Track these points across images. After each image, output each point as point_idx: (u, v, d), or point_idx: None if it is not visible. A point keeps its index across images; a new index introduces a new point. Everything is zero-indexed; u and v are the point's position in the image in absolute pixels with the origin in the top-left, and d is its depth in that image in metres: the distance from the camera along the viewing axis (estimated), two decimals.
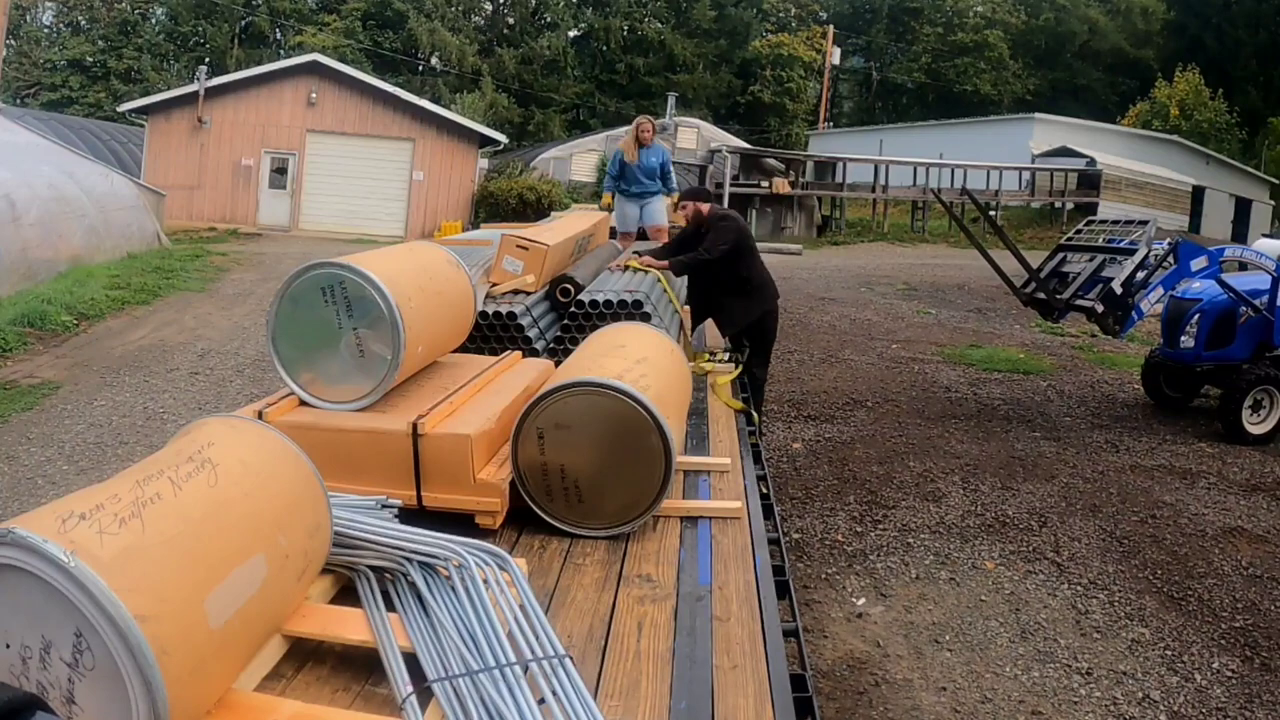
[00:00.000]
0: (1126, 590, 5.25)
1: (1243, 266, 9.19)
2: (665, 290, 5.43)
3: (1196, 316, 8.47)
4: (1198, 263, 8.03)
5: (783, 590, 2.97)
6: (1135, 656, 4.56)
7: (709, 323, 6.45)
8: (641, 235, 8.72)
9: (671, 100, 31.14)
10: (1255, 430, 8.20)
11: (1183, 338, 8.55)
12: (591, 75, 43.70)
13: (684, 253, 5.83)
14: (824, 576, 5.27)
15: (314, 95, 23.99)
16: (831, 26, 47.64)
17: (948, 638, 4.66)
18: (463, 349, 4.15)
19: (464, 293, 3.88)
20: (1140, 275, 7.91)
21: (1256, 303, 8.27)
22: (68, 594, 1.54)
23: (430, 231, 22.83)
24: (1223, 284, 8.29)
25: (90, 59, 37.79)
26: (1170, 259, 8.04)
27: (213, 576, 1.77)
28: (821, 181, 31.63)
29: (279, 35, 41.38)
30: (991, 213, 27.79)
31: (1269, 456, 7.86)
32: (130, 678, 1.55)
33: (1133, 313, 7.88)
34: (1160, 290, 8.07)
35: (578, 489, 2.98)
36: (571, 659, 2.03)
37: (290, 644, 2.15)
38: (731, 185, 27.29)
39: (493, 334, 4.73)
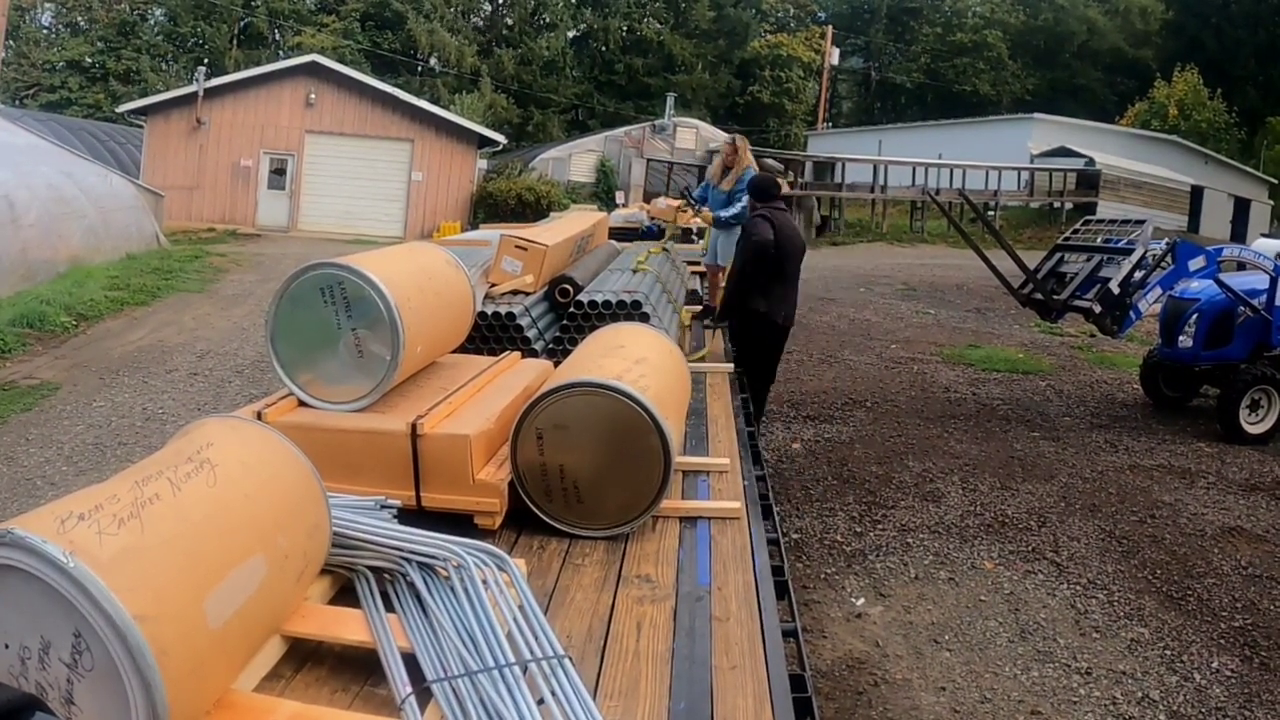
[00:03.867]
0: (1126, 590, 5.25)
1: (1241, 266, 9.20)
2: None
3: (1195, 316, 8.48)
4: (1195, 263, 8.03)
5: (782, 590, 2.97)
6: (1134, 656, 4.56)
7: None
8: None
9: (670, 101, 31.10)
10: (1253, 430, 8.20)
11: (1181, 337, 8.56)
12: (590, 76, 43.68)
13: None
14: (823, 576, 5.27)
15: (313, 96, 23.99)
16: (830, 26, 47.63)
17: (947, 637, 4.65)
18: (462, 349, 4.15)
19: (463, 293, 3.88)
20: (1138, 275, 7.91)
21: (1254, 303, 8.27)
22: (67, 594, 1.54)
23: (429, 232, 22.82)
24: (1221, 284, 8.30)
25: (89, 60, 37.72)
26: (1168, 259, 8.04)
27: (212, 577, 1.77)
28: (820, 182, 31.62)
29: (277, 36, 41.33)
30: (990, 213, 27.82)
31: (1268, 456, 7.86)
32: (129, 678, 1.54)
33: (1130, 312, 7.89)
34: (1158, 290, 8.07)
35: (577, 489, 2.98)
36: (571, 659, 2.03)
37: (289, 644, 2.15)
38: None
39: (492, 334, 4.73)
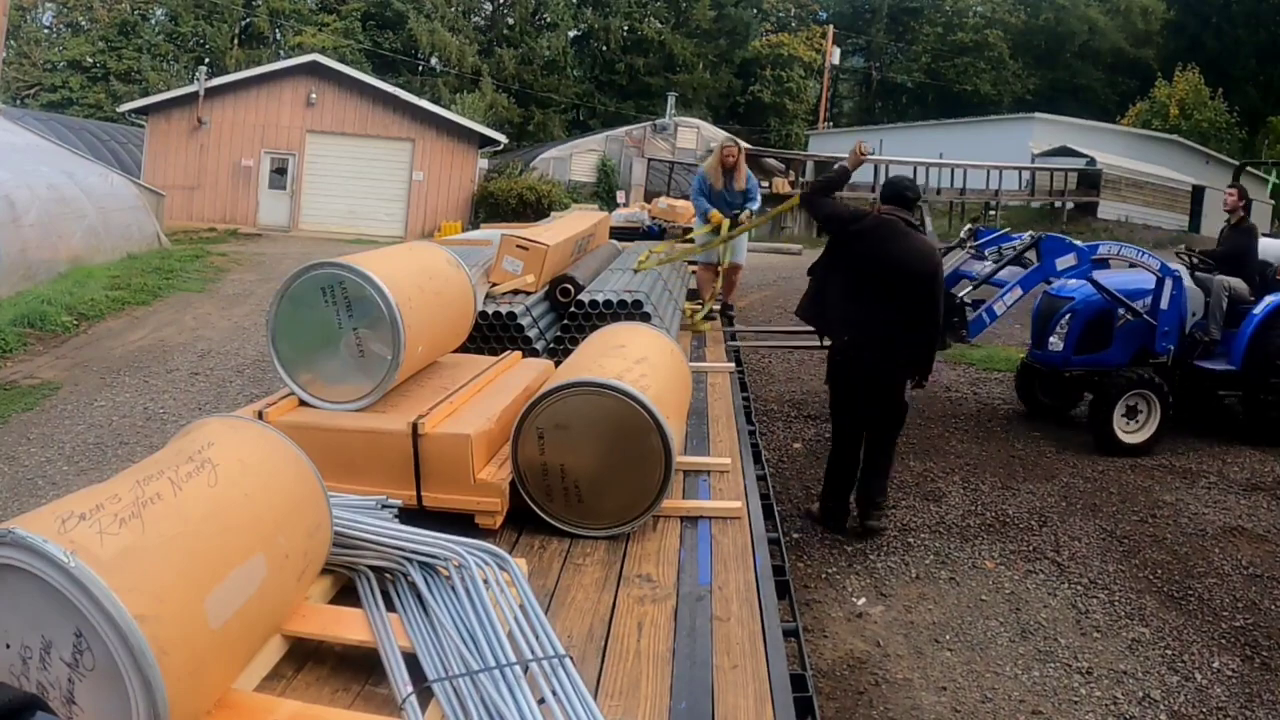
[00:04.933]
0: (1127, 589, 5.25)
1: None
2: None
3: (1067, 316, 7.70)
4: (1065, 261, 7.14)
5: (783, 590, 2.98)
6: (1135, 656, 4.56)
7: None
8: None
9: (671, 100, 31.09)
10: (1129, 440, 7.42)
11: (1051, 339, 7.76)
12: (591, 75, 43.67)
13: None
14: (824, 576, 5.26)
15: (313, 95, 23.99)
16: (831, 26, 47.63)
17: (948, 637, 4.65)
18: (463, 349, 4.15)
19: (464, 293, 3.88)
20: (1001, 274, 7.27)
21: (1137, 305, 7.45)
22: (68, 594, 1.54)
23: (430, 232, 22.82)
24: (1095, 284, 7.45)
25: (90, 59, 37.73)
26: (1030, 254, 7.23)
27: (212, 576, 1.77)
28: None
29: (278, 35, 41.35)
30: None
31: (1269, 456, 7.84)
32: (130, 678, 1.55)
33: (982, 314, 7.12)
34: (1018, 290, 7.18)
35: (578, 489, 2.98)
36: (571, 659, 2.03)
37: (290, 644, 2.15)
38: None
39: (493, 334, 4.73)
